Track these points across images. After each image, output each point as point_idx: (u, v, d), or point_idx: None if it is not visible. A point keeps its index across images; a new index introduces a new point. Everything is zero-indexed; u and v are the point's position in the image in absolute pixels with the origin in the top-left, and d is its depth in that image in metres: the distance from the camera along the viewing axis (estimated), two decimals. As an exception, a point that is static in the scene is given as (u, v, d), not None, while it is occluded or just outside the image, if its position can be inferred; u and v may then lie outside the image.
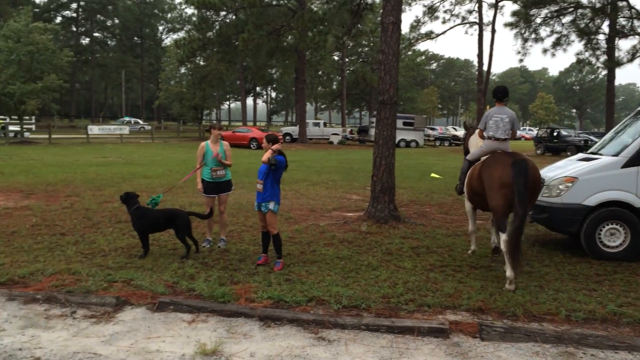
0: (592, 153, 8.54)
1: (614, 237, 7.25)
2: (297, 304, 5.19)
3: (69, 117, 73.14)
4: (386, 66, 9.58)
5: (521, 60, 47.09)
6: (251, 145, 34.44)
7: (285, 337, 4.49)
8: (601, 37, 32.09)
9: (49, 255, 6.78)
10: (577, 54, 34.42)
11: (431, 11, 40.12)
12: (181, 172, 17.04)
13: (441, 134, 54.87)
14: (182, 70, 53.51)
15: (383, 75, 9.62)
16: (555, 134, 36.25)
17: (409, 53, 62.43)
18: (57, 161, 20.85)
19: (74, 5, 78.55)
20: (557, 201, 7.50)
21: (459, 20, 41.13)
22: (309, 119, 50.36)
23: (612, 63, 32.00)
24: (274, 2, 37.72)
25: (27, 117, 38.69)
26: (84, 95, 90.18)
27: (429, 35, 43.42)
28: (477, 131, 7.54)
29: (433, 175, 18.70)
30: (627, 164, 7.28)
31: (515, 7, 34.63)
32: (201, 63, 49.28)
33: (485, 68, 41.00)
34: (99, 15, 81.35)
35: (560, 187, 7.50)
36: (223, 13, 38.27)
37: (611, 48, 31.65)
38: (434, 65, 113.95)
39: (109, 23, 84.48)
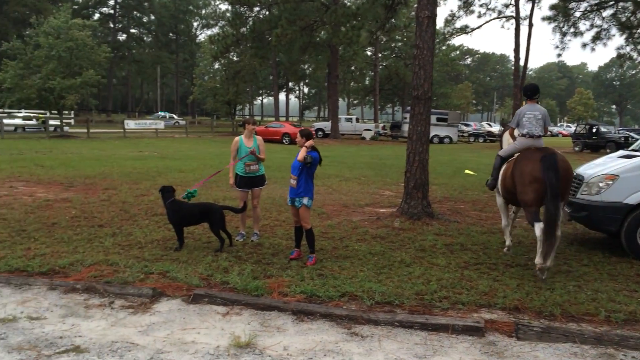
0: (633, 150, 8.30)
1: (656, 237, 7.03)
2: (329, 299, 5.19)
3: (107, 111, 74.74)
4: (421, 61, 9.47)
5: (559, 55, 46.47)
6: (283, 140, 34.65)
7: (319, 332, 4.50)
8: (643, 31, 31.07)
9: (88, 247, 6.96)
10: (618, 48, 33.37)
11: (466, 5, 39.40)
12: (215, 167, 17.24)
13: (475, 130, 54.07)
14: (216, 65, 54.04)
15: (417, 70, 9.52)
16: (594, 130, 35.35)
17: (443, 48, 61.76)
18: (95, 155, 21.36)
19: (112, 2, 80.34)
20: (596, 199, 7.30)
21: (495, 14, 40.22)
22: (341, 114, 50.23)
23: (654, 58, 30.99)
24: (307, -2, 37.73)
25: (66, 112, 39.69)
26: (120, 90, 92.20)
27: (464, 30, 42.70)
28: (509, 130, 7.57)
29: (467, 171, 18.45)
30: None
31: (554, 0, 33.79)
32: (235, 58, 49.76)
33: (521, 63, 40.11)
34: (135, 12, 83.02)
35: (600, 184, 7.30)
36: (257, 9, 38.43)
37: (653, 42, 30.68)
38: (468, 60, 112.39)
39: (145, 19, 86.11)
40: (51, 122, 36.73)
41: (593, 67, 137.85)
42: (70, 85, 34.04)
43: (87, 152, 22.53)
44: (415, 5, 10.02)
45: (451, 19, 41.61)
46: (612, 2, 30.28)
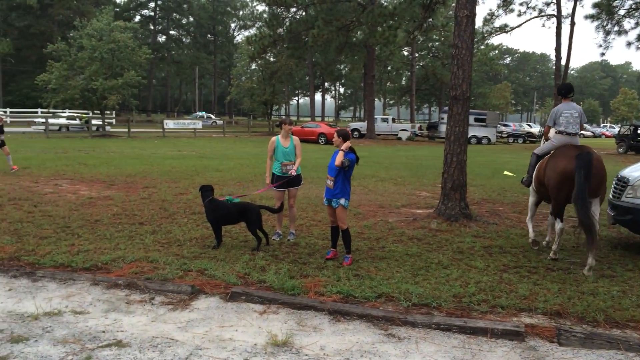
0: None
1: None
2: (366, 299, 5.18)
3: (146, 111, 76.40)
4: (459, 61, 9.35)
5: (602, 54, 45.41)
6: (319, 141, 34.73)
7: (355, 332, 4.49)
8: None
9: (129, 243, 7.12)
10: (664, 46, 32.31)
11: (506, 4, 38.66)
12: (252, 166, 17.41)
13: (514, 131, 53.05)
14: (253, 66, 54.50)
15: (456, 70, 9.40)
16: (639, 131, 34.20)
17: (482, 47, 60.71)
18: (135, 154, 21.86)
19: (152, 5, 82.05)
20: (642, 202, 7.09)
21: (535, 13, 39.29)
22: (378, 114, 49.98)
23: None
24: (344, -2, 37.71)
25: (108, 112, 40.83)
26: (160, 90, 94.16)
27: (504, 29, 41.85)
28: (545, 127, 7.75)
29: (506, 173, 18.12)
30: None
31: (597, -2, 32.86)
32: (271, 59, 50.06)
33: (563, 62, 39.09)
34: (174, 14, 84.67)
35: (647, 187, 7.09)
36: (293, 9, 38.62)
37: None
38: (507, 60, 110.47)
39: (184, 21, 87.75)
40: (94, 121, 37.79)
41: (638, 66, 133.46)
42: (112, 86, 34.97)
43: (127, 151, 23.08)
44: (454, 5, 9.90)
45: (490, 17, 40.84)
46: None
